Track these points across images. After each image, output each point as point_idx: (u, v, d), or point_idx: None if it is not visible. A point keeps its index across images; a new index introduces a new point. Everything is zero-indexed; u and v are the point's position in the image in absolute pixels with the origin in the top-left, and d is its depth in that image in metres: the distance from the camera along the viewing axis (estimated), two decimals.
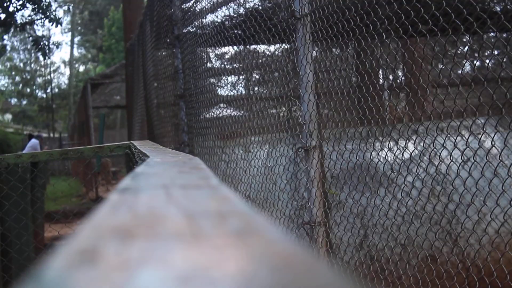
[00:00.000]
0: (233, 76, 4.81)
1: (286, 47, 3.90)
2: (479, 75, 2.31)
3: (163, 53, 5.84)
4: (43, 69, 39.57)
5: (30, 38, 12.92)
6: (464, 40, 4.18)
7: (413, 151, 2.88)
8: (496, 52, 4.22)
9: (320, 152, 2.77)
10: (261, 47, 4.27)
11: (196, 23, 4.52)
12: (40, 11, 11.66)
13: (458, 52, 3.49)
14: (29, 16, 12.23)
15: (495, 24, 2.30)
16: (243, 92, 4.81)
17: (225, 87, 4.69)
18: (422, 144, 3.04)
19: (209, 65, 4.57)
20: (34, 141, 12.77)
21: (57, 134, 31.32)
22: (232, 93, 4.68)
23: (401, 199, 2.84)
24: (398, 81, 5.00)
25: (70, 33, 41.40)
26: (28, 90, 41.04)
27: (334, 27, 2.65)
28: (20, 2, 11.30)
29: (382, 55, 3.34)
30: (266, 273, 0.22)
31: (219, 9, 4.11)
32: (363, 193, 3.06)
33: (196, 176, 0.69)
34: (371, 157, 3.11)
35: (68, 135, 27.98)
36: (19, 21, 11.99)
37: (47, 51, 12.54)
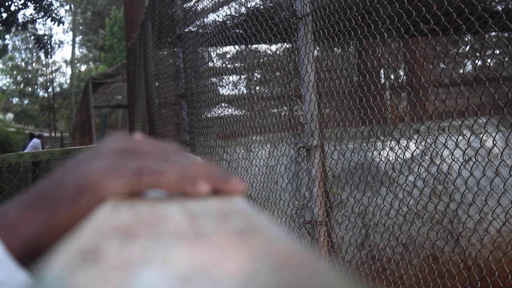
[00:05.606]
0: (234, 75, 4.80)
1: (287, 46, 3.89)
2: (481, 75, 2.31)
3: (165, 53, 5.84)
4: (44, 69, 39.60)
5: (32, 37, 12.93)
6: (466, 39, 4.17)
7: (414, 150, 2.88)
8: (497, 52, 4.21)
9: (322, 152, 2.76)
10: (263, 47, 4.26)
11: (198, 23, 4.52)
12: (42, 10, 11.66)
13: (460, 51, 3.49)
14: (30, 15, 12.25)
15: (497, 24, 2.30)
16: (245, 92, 4.80)
17: (227, 87, 4.69)
18: (423, 143, 3.04)
19: (210, 64, 4.57)
20: (35, 140, 12.76)
21: (58, 134, 31.37)
22: (233, 93, 4.68)
23: (403, 199, 2.84)
24: (400, 80, 4.99)
25: (71, 33, 41.41)
26: (30, 89, 41.10)
27: (336, 26, 2.64)
28: (22, 1, 11.30)
29: (383, 55, 3.34)
30: (268, 273, 0.22)
31: (220, 9, 4.11)
32: (365, 192, 3.06)
33: None
34: (373, 157, 3.11)
35: (70, 135, 28.00)
36: (20, 20, 12.00)
37: (49, 50, 12.54)
